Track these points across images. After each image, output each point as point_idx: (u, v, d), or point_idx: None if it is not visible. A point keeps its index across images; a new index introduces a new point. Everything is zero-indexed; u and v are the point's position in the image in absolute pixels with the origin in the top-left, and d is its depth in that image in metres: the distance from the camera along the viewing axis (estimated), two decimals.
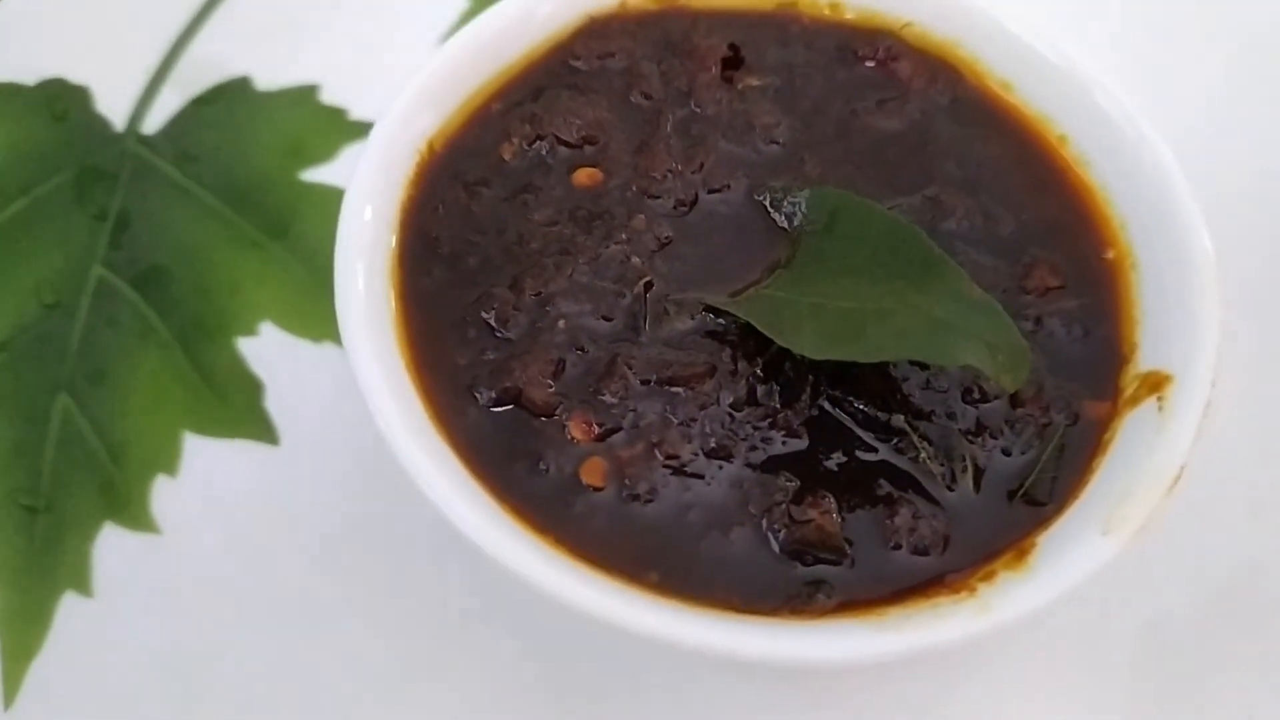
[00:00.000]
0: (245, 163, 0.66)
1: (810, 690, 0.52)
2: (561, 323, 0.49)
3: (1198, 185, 0.52)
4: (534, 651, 0.53)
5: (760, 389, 0.48)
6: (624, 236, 0.51)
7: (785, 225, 0.52)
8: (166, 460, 0.57)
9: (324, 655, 0.53)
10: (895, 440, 0.48)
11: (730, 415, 0.48)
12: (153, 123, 0.67)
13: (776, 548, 0.46)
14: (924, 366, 0.49)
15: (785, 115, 0.56)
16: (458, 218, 0.52)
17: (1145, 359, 0.50)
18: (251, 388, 0.59)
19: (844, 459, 0.48)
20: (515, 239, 0.51)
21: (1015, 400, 0.49)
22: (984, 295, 0.48)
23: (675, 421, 0.48)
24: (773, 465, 0.47)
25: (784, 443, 0.48)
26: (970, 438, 0.48)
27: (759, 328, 0.48)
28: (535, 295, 0.50)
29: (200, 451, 0.58)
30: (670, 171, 0.53)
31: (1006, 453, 0.48)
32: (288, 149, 0.66)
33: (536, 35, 0.56)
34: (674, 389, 0.48)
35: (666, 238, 0.52)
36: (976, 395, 0.49)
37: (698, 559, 0.46)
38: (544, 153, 0.54)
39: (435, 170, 0.53)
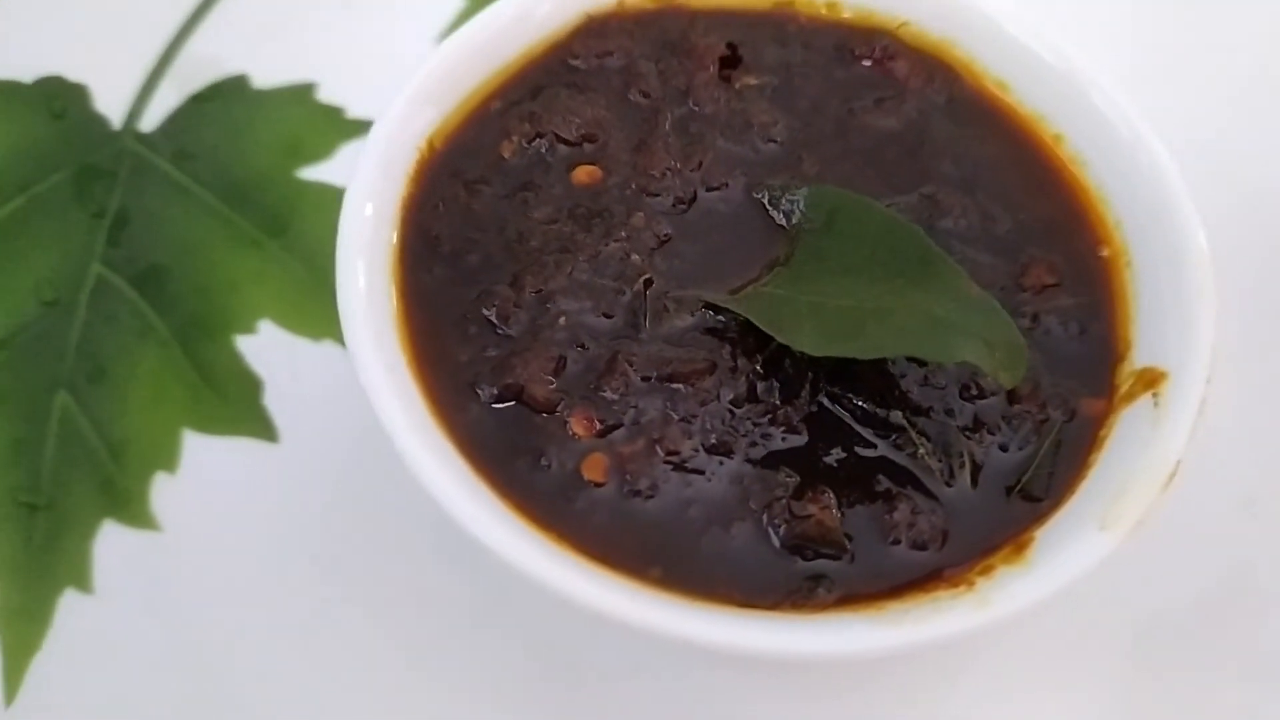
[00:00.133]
0: (243, 161, 0.66)
1: (807, 682, 0.53)
2: (562, 320, 0.49)
3: (1193, 184, 0.53)
4: (535, 648, 0.53)
5: (760, 386, 0.49)
6: (623, 234, 0.51)
7: (784, 223, 0.53)
8: (166, 458, 0.58)
9: (324, 651, 0.53)
10: (894, 436, 0.49)
11: (730, 411, 0.48)
12: (150, 120, 0.67)
13: (777, 543, 0.46)
14: (922, 363, 0.50)
15: (783, 114, 0.56)
16: (458, 215, 0.52)
17: (1141, 356, 0.50)
18: (251, 386, 0.60)
19: (843, 455, 0.48)
20: (515, 236, 0.51)
21: (1012, 397, 0.49)
22: (982, 293, 0.48)
23: (676, 418, 0.48)
24: (773, 461, 0.48)
25: (784, 439, 0.48)
26: (968, 434, 0.49)
27: (759, 325, 0.48)
28: (536, 292, 0.50)
29: (200, 449, 0.58)
30: (669, 170, 0.53)
31: (1004, 449, 0.49)
32: (285, 147, 0.66)
33: (535, 34, 0.56)
34: (674, 385, 0.48)
35: (666, 235, 0.52)
36: (974, 392, 0.49)
37: (699, 554, 0.46)
38: (543, 151, 0.54)
39: (435, 168, 0.53)
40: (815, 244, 0.51)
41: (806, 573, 0.46)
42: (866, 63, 0.58)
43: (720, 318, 0.50)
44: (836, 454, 0.48)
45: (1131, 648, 0.54)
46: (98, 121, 0.67)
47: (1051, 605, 0.44)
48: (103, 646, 0.53)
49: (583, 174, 0.53)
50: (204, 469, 0.57)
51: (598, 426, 0.48)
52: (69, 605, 0.54)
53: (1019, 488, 0.48)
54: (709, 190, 0.54)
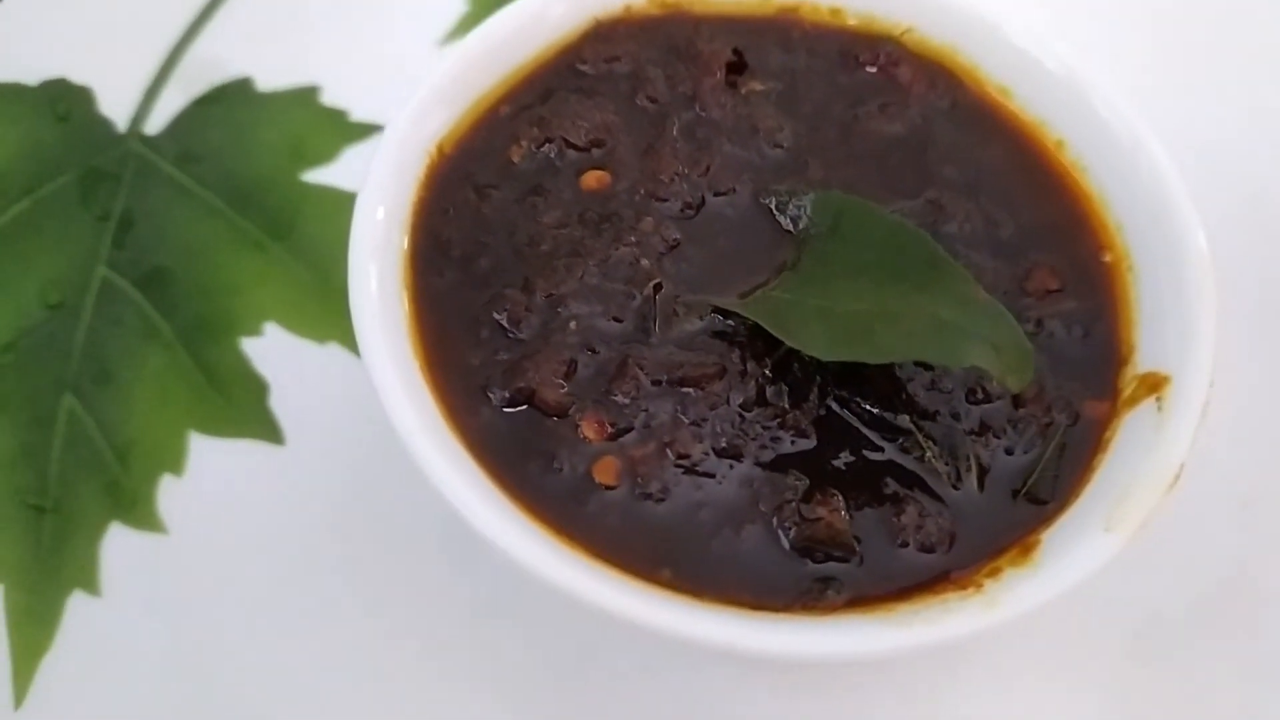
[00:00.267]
0: (247, 163, 0.66)
1: (808, 681, 0.53)
2: (573, 324, 0.50)
3: (1194, 189, 0.53)
4: (540, 648, 0.54)
5: (769, 390, 0.49)
6: (633, 239, 0.52)
7: (790, 228, 0.53)
8: (172, 460, 0.58)
9: (329, 652, 0.53)
10: (901, 440, 0.49)
11: (740, 415, 0.49)
12: (155, 123, 0.67)
13: (787, 545, 0.47)
14: (929, 367, 0.50)
15: (788, 119, 0.56)
16: (468, 219, 0.52)
17: (1143, 360, 0.51)
18: (256, 388, 0.60)
19: (851, 458, 0.49)
20: (525, 241, 0.52)
21: (1017, 401, 0.50)
22: (989, 298, 0.49)
23: (686, 421, 0.48)
24: (782, 464, 0.48)
25: (793, 442, 0.49)
26: (974, 437, 0.49)
27: (768, 329, 0.48)
28: (547, 296, 0.50)
29: (206, 451, 0.58)
30: (677, 175, 0.54)
31: (1009, 452, 0.49)
32: (289, 150, 0.67)
33: (544, 39, 0.57)
34: (685, 389, 0.49)
35: (674, 240, 0.52)
36: (980, 396, 0.50)
37: (710, 556, 0.46)
38: (552, 155, 0.54)
39: (445, 172, 0.53)
40: (822, 249, 0.52)
41: (816, 575, 0.47)
42: (871, 69, 0.59)
43: (729, 322, 0.50)
44: (845, 457, 0.49)
45: (1130, 647, 0.54)
46: (102, 124, 0.67)
47: (1058, 606, 0.45)
48: (110, 648, 0.53)
49: (591, 179, 0.54)
50: (210, 471, 0.58)
51: (609, 430, 0.48)
52: (77, 607, 0.54)
53: (1025, 490, 0.49)
54: (716, 195, 0.54)
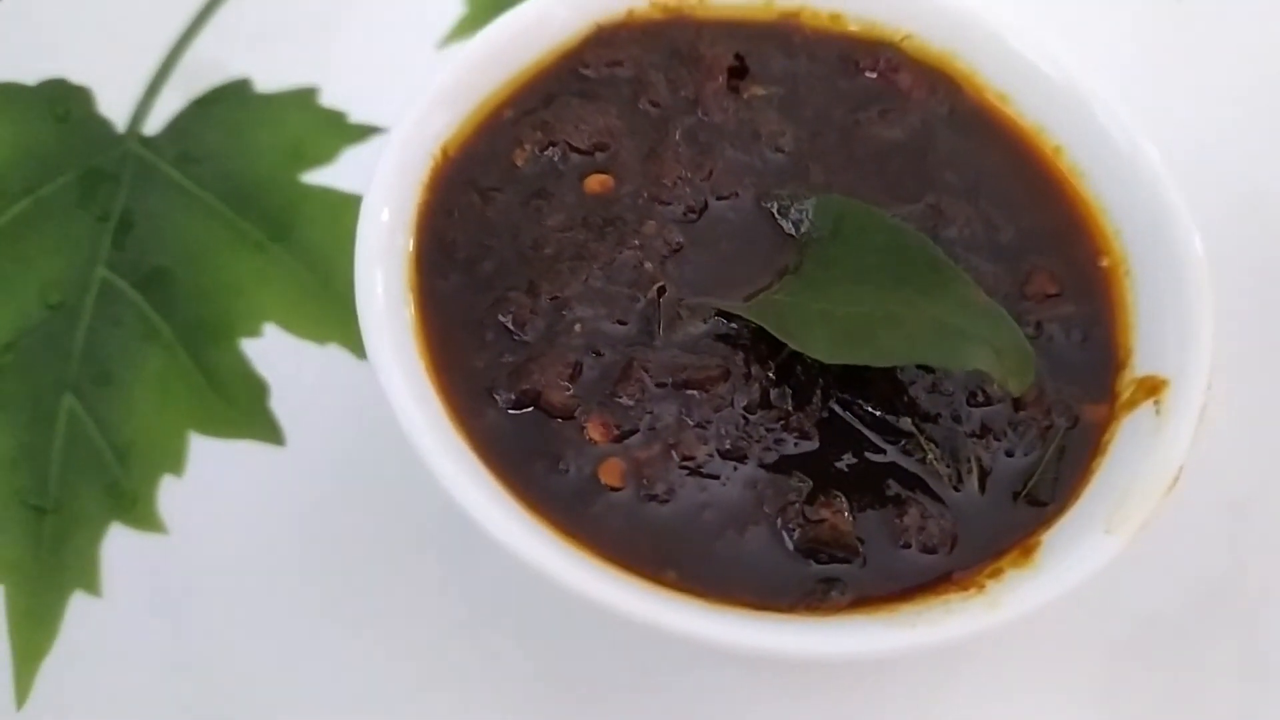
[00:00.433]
0: (246, 164, 0.66)
1: (807, 681, 0.54)
2: (578, 326, 0.50)
3: (1191, 195, 0.54)
4: (541, 649, 0.54)
5: (773, 392, 0.50)
6: (636, 242, 0.52)
7: (792, 232, 0.53)
8: (173, 461, 0.58)
9: (330, 654, 0.54)
10: (903, 442, 0.50)
11: (744, 417, 0.49)
12: (154, 124, 0.67)
13: (790, 546, 0.47)
14: (930, 370, 0.51)
15: (790, 124, 0.57)
16: (473, 222, 0.53)
17: (1141, 363, 0.51)
18: (256, 389, 0.60)
19: (854, 460, 0.49)
20: (530, 244, 0.52)
21: (1017, 404, 0.50)
22: (990, 301, 0.49)
23: (691, 423, 0.49)
24: (786, 466, 0.49)
25: (796, 444, 0.49)
26: (975, 440, 0.50)
27: (772, 332, 0.49)
28: (552, 299, 0.51)
29: (206, 452, 0.58)
30: (680, 179, 0.54)
31: (1010, 454, 0.50)
32: (288, 151, 0.67)
33: (546, 43, 0.57)
34: (689, 391, 0.49)
35: (677, 243, 0.53)
36: (981, 398, 0.51)
37: (714, 557, 0.47)
38: (555, 159, 0.55)
39: (449, 175, 0.54)
40: (824, 252, 0.52)
41: (820, 575, 0.47)
42: (871, 74, 0.59)
43: (733, 325, 0.51)
44: (848, 459, 0.49)
45: (1124, 647, 0.55)
46: (102, 124, 0.67)
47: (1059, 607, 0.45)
48: (112, 648, 0.53)
49: (595, 182, 0.54)
50: (210, 472, 0.58)
51: (614, 432, 0.48)
52: (78, 607, 0.54)
53: (1025, 492, 0.49)
54: (719, 199, 0.54)
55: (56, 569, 0.55)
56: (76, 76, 0.68)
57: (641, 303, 0.51)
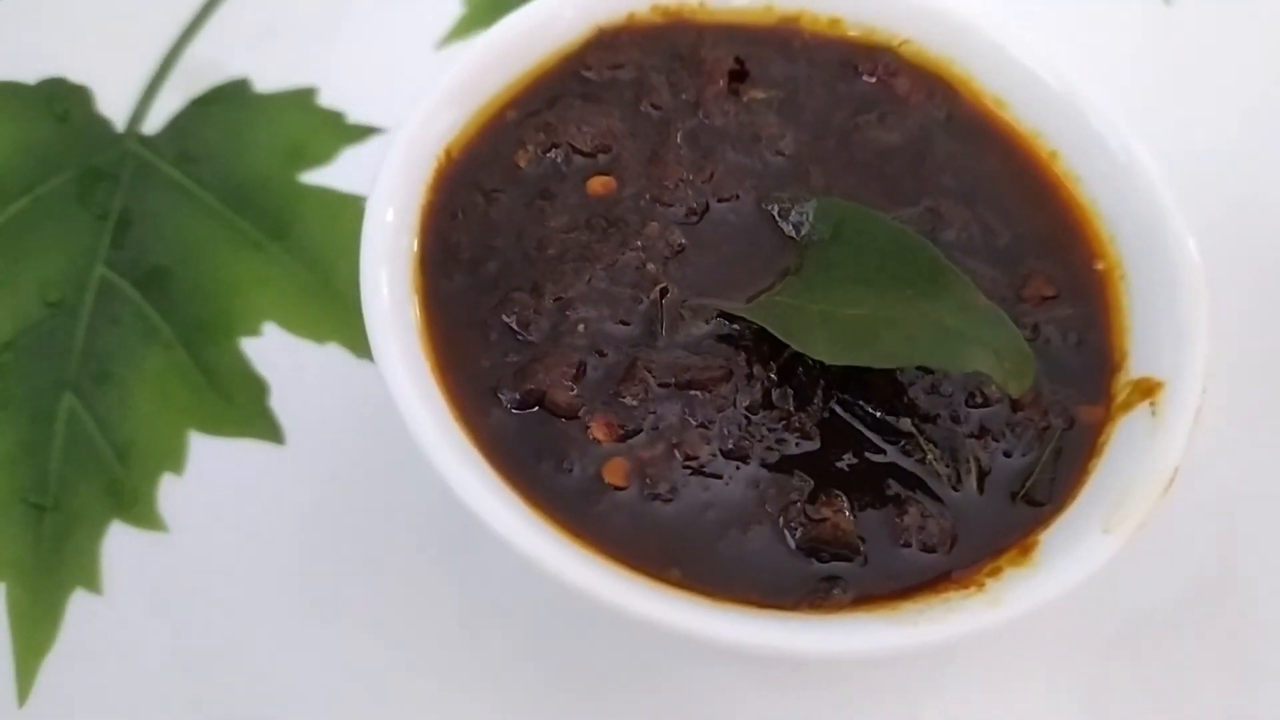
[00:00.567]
0: (245, 164, 0.66)
1: (798, 677, 0.54)
2: (581, 327, 0.50)
3: (1185, 199, 0.54)
4: (542, 648, 0.54)
5: (775, 393, 0.50)
6: (639, 243, 0.52)
7: (793, 234, 0.54)
8: (173, 459, 0.58)
9: (330, 652, 0.54)
10: (903, 442, 0.50)
11: (746, 418, 0.50)
12: (153, 123, 0.67)
13: (793, 545, 0.48)
14: (929, 371, 0.51)
15: (789, 127, 0.57)
16: (477, 223, 0.53)
17: (1137, 366, 0.52)
18: (256, 388, 0.60)
19: (855, 460, 0.50)
20: (534, 245, 0.53)
21: (1015, 405, 0.51)
22: (989, 304, 0.50)
23: (694, 423, 0.49)
24: (787, 466, 0.49)
25: (798, 444, 0.50)
26: (974, 440, 0.50)
27: (774, 333, 0.49)
28: (556, 300, 0.51)
29: (206, 451, 0.58)
30: (681, 181, 0.55)
31: (1008, 455, 0.51)
32: (287, 151, 0.67)
33: (549, 45, 0.57)
34: (692, 392, 0.50)
35: (680, 245, 0.53)
36: (979, 400, 0.51)
37: (717, 556, 0.47)
38: (558, 161, 0.55)
39: (453, 176, 0.54)
40: (825, 255, 0.53)
41: (822, 574, 0.47)
42: (869, 79, 0.59)
43: (735, 326, 0.51)
44: (848, 459, 0.50)
45: (1116, 644, 0.55)
46: (101, 124, 0.67)
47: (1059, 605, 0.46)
48: (113, 646, 0.54)
49: (598, 184, 0.54)
50: (210, 470, 0.58)
51: (618, 431, 0.49)
52: (79, 605, 0.54)
53: (1023, 493, 0.50)
54: (720, 201, 0.55)
55: (57, 567, 0.55)
56: (76, 76, 0.68)
57: (644, 303, 0.51)
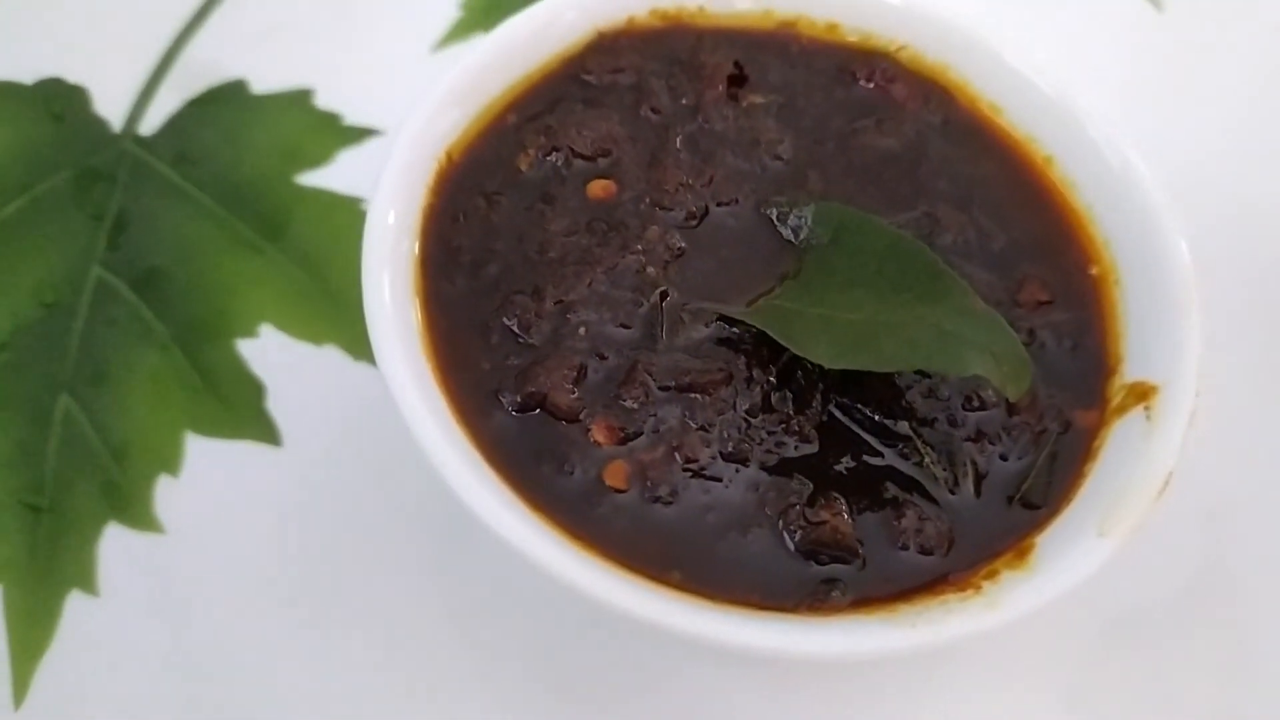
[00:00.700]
0: (242, 165, 0.66)
1: (793, 678, 0.55)
2: (582, 330, 0.51)
3: (1178, 201, 0.55)
4: (540, 649, 0.54)
5: (774, 396, 0.50)
6: (639, 247, 0.53)
7: (792, 238, 0.54)
8: (169, 461, 0.58)
9: (327, 654, 0.54)
10: (900, 446, 0.51)
11: (746, 421, 0.50)
12: (150, 124, 0.67)
13: (792, 547, 0.48)
14: (926, 375, 0.52)
15: (788, 132, 0.58)
16: (478, 226, 0.53)
17: (1131, 370, 0.53)
18: (252, 389, 0.60)
19: (853, 463, 0.50)
20: (535, 248, 0.53)
21: (1011, 409, 0.51)
22: (987, 308, 0.50)
23: (694, 426, 0.49)
24: (787, 469, 0.49)
25: (797, 447, 0.50)
26: (970, 444, 0.51)
27: (775, 337, 0.50)
28: (557, 303, 0.51)
29: (203, 452, 0.58)
30: (681, 185, 0.55)
31: (1004, 458, 0.51)
32: (284, 152, 0.67)
33: (549, 48, 0.58)
34: (692, 395, 0.50)
35: (679, 249, 0.53)
36: (976, 403, 0.51)
37: (717, 558, 0.47)
38: (559, 164, 0.55)
39: (454, 179, 0.54)
40: (824, 259, 0.53)
41: (821, 576, 0.48)
42: (866, 84, 0.60)
43: (734, 330, 0.51)
44: (847, 462, 0.50)
45: (1105, 646, 0.56)
46: (98, 124, 0.67)
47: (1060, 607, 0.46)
48: (109, 648, 0.54)
49: (598, 188, 0.55)
50: (207, 472, 0.58)
51: (619, 434, 0.49)
52: (75, 606, 0.54)
53: (1019, 496, 0.50)
54: (719, 205, 0.55)
55: (53, 568, 0.55)
56: (73, 76, 0.68)
57: (644, 307, 0.52)
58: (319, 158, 0.67)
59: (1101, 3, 0.77)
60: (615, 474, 0.48)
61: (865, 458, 0.50)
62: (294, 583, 0.55)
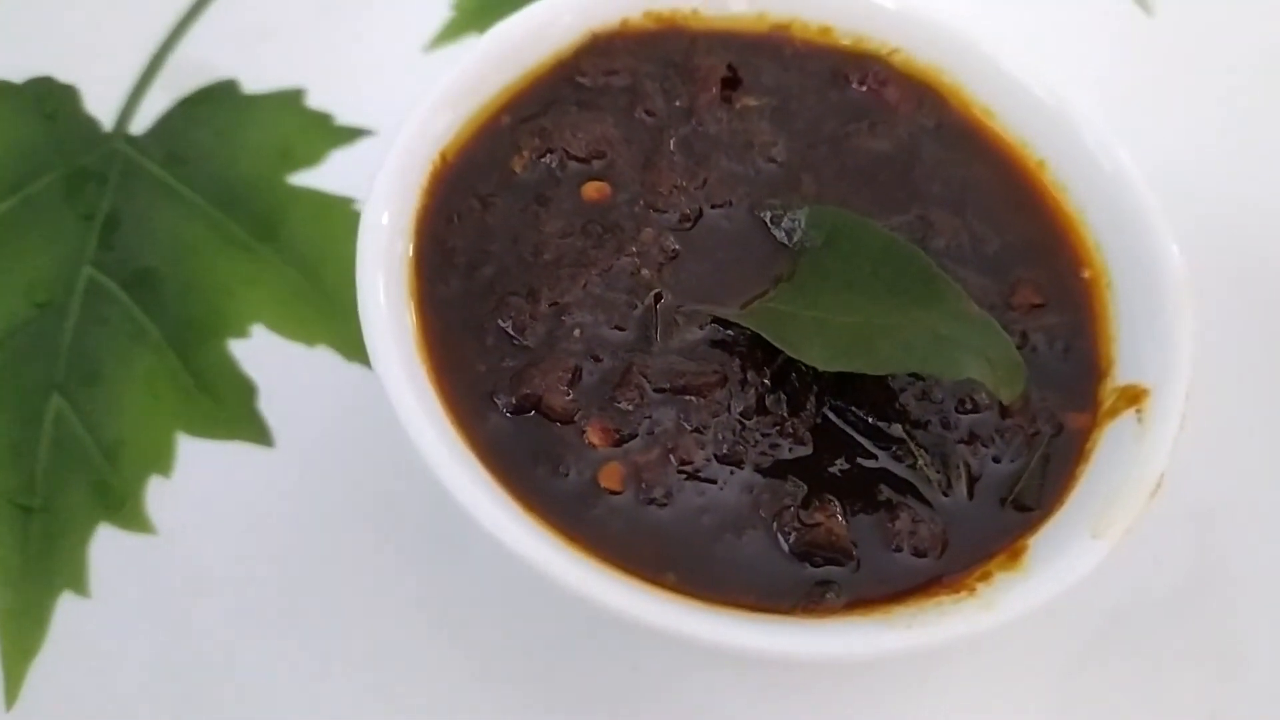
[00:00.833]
0: (233, 165, 0.66)
1: (788, 680, 0.55)
2: (577, 332, 0.51)
3: (1170, 207, 0.55)
4: (537, 649, 0.54)
5: (768, 398, 0.51)
6: (633, 249, 0.53)
7: (785, 241, 0.54)
8: (161, 461, 0.58)
9: (319, 655, 0.54)
10: (894, 448, 0.51)
11: (741, 423, 0.50)
12: (141, 123, 0.67)
13: (786, 549, 0.48)
14: (919, 378, 0.52)
15: (781, 135, 0.58)
16: (472, 227, 0.53)
17: (1122, 373, 0.53)
18: (244, 390, 0.60)
19: (847, 465, 0.50)
20: (529, 250, 0.53)
21: (1004, 411, 0.52)
22: (981, 312, 0.51)
23: (689, 428, 0.49)
24: (781, 471, 0.49)
25: (791, 450, 0.50)
26: (964, 446, 0.51)
27: (770, 339, 0.50)
28: (551, 305, 0.51)
29: (194, 453, 0.58)
30: (675, 187, 0.55)
31: (997, 460, 0.51)
32: (275, 152, 0.67)
33: (544, 50, 0.58)
34: (687, 397, 0.50)
35: (674, 251, 0.53)
36: (969, 406, 0.52)
37: (713, 560, 0.48)
38: (553, 166, 0.55)
39: (448, 180, 0.54)
40: (818, 262, 0.53)
41: (815, 578, 0.48)
42: (860, 87, 0.60)
43: (729, 332, 0.51)
44: (841, 464, 0.50)
45: (1095, 647, 0.56)
46: (89, 123, 0.66)
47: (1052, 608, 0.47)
48: (101, 649, 0.53)
49: (592, 190, 0.55)
50: (199, 473, 0.58)
51: (614, 436, 0.49)
52: (67, 608, 0.54)
53: (1012, 498, 0.50)
54: (713, 208, 0.55)
55: (44, 569, 0.55)
56: (63, 75, 0.68)
57: (639, 309, 0.52)
58: (310, 158, 0.67)
59: (1092, 7, 0.77)
60: (610, 476, 0.48)
61: (859, 460, 0.50)
62: (286, 584, 0.55)
